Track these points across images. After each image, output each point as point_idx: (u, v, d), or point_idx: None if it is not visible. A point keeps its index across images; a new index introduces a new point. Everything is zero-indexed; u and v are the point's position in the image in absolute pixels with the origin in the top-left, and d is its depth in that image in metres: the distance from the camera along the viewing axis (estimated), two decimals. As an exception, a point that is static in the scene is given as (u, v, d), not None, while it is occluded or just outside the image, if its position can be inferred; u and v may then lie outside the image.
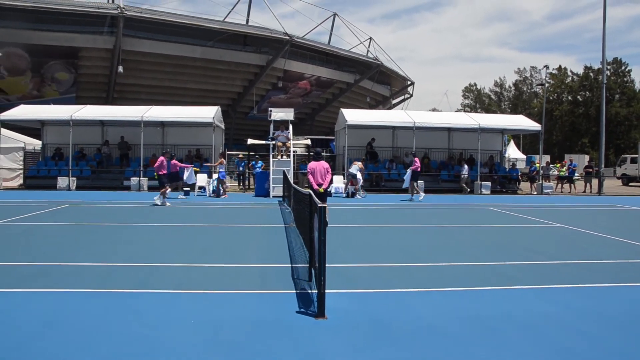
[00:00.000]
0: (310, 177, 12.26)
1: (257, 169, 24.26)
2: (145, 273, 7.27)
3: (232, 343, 4.61)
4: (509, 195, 26.35)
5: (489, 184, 26.26)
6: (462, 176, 26.49)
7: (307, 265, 7.51)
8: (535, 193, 27.10)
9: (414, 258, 8.71)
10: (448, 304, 5.95)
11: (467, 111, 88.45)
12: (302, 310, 5.63)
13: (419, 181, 21.92)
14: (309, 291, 6.39)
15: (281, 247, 9.52)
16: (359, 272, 7.63)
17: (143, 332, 4.84)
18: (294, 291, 6.41)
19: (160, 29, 42.32)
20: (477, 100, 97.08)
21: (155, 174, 18.39)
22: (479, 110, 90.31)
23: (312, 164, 12.41)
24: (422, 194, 21.47)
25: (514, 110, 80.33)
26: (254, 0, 49.72)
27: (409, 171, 21.09)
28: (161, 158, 18.34)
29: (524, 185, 30.82)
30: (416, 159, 21.15)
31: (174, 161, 20.45)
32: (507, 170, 29.62)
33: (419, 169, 20.88)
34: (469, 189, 26.07)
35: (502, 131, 30.38)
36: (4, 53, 36.12)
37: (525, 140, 68.40)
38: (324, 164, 12.44)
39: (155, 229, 11.92)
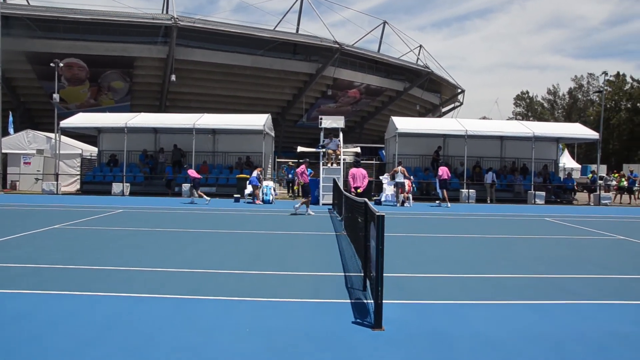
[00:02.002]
0: (350, 180, 15.05)
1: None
2: (198, 279, 7.28)
3: (288, 354, 4.50)
4: (564, 205, 25.49)
5: (543, 193, 25.45)
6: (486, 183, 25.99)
7: (361, 274, 7.38)
8: (592, 204, 26.11)
9: (470, 269, 8.42)
10: (510, 319, 5.66)
11: (519, 119, 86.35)
12: (357, 320, 5.47)
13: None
14: (364, 301, 6.23)
15: (333, 255, 9.40)
16: (414, 282, 7.42)
17: (197, 339, 4.78)
18: (349, 301, 6.25)
19: (212, 38, 43.14)
20: (529, 109, 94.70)
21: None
22: (530, 119, 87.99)
23: (352, 170, 15.52)
24: (449, 203, 21.60)
25: (568, 119, 77.96)
26: (304, 10, 50.04)
27: (437, 180, 22.10)
28: (302, 166, 17.71)
29: (580, 196, 29.74)
30: (441, 169, 21.93)
31: (190, 170, 22.14)
32: (562, 180, 28.68)
33: (442, 178, 21.66)
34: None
35: (557, 140, 29.50)
36: (64, 64, 37.43)
37: (580, 150, 66.19)
38: (362, 171, 15.37)
39: (205, 235, 12.00)
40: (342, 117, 23.55)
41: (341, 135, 22.33)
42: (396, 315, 5.61)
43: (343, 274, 7.79)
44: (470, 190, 25.03)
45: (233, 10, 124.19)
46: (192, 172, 21.71)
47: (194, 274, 7.61)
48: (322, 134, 22.57)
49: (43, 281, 6.94)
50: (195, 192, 21.51)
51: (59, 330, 4.94)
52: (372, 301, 5.89)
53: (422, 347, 4.72)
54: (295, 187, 21.05)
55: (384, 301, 5.45)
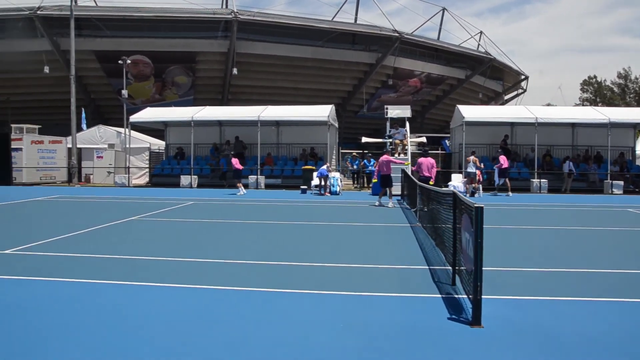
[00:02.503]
0: (417, 169, 15.10)
1: (370, 167, 24.03)
2: (280, 272, 7.21)
3: (391, 350, 4.32)
4: (644, 195, 24.18)
5: (621, 183, 24.21)
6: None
7: (446, 267, 7.19)
8: (677, 194, 24.65)
9: (562, 263, 7.99)
10: (620, 318, 5.28)
11: (586, 105, 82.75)
12: (453, 317, 5.24)
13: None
14: (455, 296, 5.98)
15: (412, 247, 9.18)
16: (504, 276, 7.09)
17: (294, 334, 4.68)
18: (439, 295, 6.02)
19: (271, 31, 43.40)
20: (597, 94, 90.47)
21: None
22: (599, 105, 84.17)
23: (420, 159, 15.52)
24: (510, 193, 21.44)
25: (641, 104, 73.93)
26: (359, -1, 49.90)
27: (496, 169, 21.89)
28: (387, 156, 16.73)
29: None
30: (501, 157, 21.49)
31: (234, 159, 21.74)
32: (642, 168, 27.25)
33: (502, 167, 21.42)
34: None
35: (634, 126, 28.01)
36: (131, 61, 38.58)
37: (656, 136, 62.77)
38: (430, 160, 15.32)
39: (279, 227, 11.96)
40: (409, 107, 23.17)
41: (407, 125, 21.94)
42: (492, 311, 5.31)
43: (427, 267, 7.56)
44: (542, 180, 24.11)
45: (288, 3, 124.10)
46: (235, 162, 21.69)
47: (275, 266, 7.55)
48: (388, 123, 22.27)
49: (130, 272, 7.05)
50: (236, 182, 21.80)
51: (153, 323, 4.95)
52: (464, 296, 5.69)
53: (529, 346, 4.44)
54: (374, 179, 19.99)
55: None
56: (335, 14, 50.52)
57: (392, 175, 16.68)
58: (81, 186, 27.42)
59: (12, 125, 28.40)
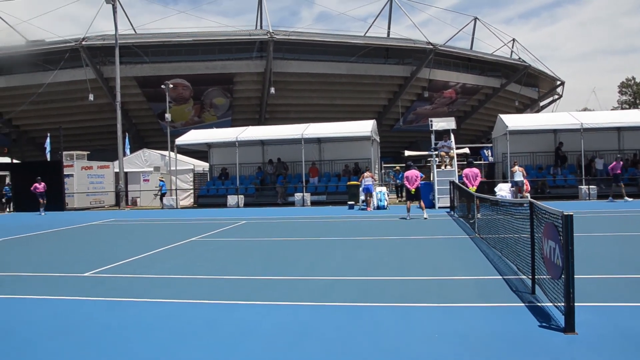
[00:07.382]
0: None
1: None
2: (362, 286, 7.38)
3: (493, 357, 4.50)
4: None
5: (673, 189, 23.72)
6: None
7: (519, 276, 7.38)
8: None
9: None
10: None
11: (625, 108, 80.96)
12: (543, 324, 5.35)
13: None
14: (539, 304, 6.07)
15: (478, 258, 9.26)
16: (584, 283, 7.12)
17: (394, 343, 4.88)
18: (522, 304, 6.13)
19: (305, 49, 44.02)
20: (637, 96, 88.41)
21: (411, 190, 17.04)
22: (639, 107, 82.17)
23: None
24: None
25: (683, 105, 72.08)
26: (386, 12, 50.55)
27: None
28: (410, 173, 17.13)
29: None
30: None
31: (35, 184, 25.65)
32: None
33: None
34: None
35: (686, 127, 27.39)
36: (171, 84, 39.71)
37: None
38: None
39: (343, 243, 12.03)
40: (453, 119, 23.19)
41: (453, 137, 21.97)
42: (581, 318, 5.40)
43: (500, 277, 7.65)
44: (590, 187, 23.79)
45: (315, 20, 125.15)
46: (35, 187, 25.34)
47: (356, 281, 7.72)
48: (433, 136, 22.34)
49: (216, 291, 7.35)
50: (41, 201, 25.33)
51: (260, 345, 5.21)
52: (548, 304, 5.82)
53: (624, 351, 4.56)
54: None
55: (559, 304, 5.34)
56: (368, 29, 51.08)
57: (439, 187, 16.75)
58: (130, 209, 28.13)
59: (64, 153, 29.39)
